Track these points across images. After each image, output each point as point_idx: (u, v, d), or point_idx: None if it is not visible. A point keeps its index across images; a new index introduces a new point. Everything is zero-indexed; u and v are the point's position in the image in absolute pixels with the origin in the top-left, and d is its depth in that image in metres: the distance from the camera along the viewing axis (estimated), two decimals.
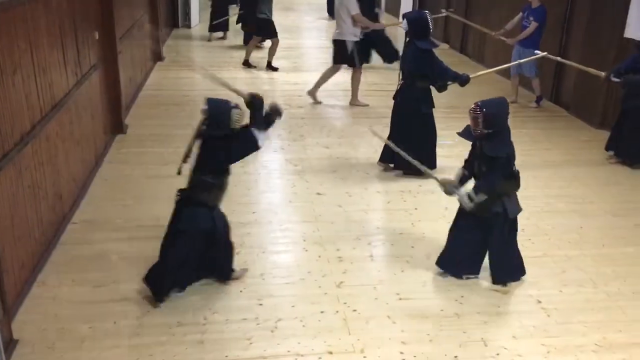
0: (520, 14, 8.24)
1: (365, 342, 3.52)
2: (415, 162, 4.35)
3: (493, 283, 4.11)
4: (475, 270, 4.16)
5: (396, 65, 8.29)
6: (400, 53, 6.78)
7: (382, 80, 9.53)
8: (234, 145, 3.68)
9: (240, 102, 3.77)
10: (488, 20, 10.07)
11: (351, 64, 8.19)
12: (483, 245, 4.08)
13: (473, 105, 3.80)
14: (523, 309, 3.93)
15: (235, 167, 5.95)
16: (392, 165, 5.99)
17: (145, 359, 3.33)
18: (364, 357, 3.41)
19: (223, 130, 3.61)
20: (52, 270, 4.12)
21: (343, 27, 7.97)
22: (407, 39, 5.74)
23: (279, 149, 6.73)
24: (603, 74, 6.32)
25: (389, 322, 3.71)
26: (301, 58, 11.69)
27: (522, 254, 4.20)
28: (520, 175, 3.99)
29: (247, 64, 10.33)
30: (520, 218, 4.11)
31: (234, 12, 12.44)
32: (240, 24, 11.76)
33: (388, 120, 6.06)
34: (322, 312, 3.79)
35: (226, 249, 4.00)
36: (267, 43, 10.64)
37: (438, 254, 4.24)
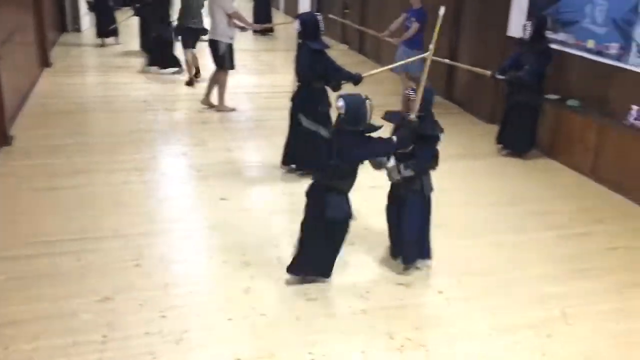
0: (404, 14, 8.47)
1: (275, 345, 3.49)
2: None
3: (404, 263, 4.24)
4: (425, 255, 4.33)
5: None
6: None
7: (283, 82, 9.54)
8: (372, 142, 3.86)
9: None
10: (381, 21, 10.32)
11: (220, 66, 8.02)
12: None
13: (408, 90, 4.07)
14: (425, 300, 4.06)
15: (132, 176, 5.84)
16: (294, 166, 6.00)
17: None
18: None
19: (360, 124, 3.78)
20: None
21: (218, 27, 7.81)
22: (300, 40, 5.79)
23: (181, 154, 6.55)
24: (489, 72, 6.64)
25: (298, 324, 3.70)
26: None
27: None
28: None
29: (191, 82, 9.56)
30: None
31: (125, 16, 11.96)
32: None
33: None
34: (229, 319, 3.71)
35: None
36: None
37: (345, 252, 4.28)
